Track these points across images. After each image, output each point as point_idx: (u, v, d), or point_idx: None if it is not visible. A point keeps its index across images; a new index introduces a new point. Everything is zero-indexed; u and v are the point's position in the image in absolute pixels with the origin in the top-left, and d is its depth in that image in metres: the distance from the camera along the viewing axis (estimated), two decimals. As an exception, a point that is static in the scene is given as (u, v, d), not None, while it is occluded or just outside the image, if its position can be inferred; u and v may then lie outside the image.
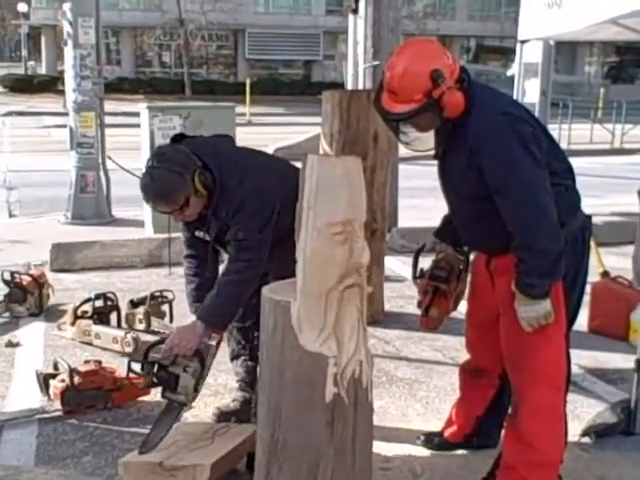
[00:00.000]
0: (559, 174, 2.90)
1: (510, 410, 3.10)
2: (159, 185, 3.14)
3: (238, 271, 3.23)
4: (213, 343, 3.28)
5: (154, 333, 4.91)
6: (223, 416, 3.68)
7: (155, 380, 3.24)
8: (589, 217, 3.06)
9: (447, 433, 3.51)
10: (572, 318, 3.07)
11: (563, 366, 3.02)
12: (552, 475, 3.03)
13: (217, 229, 3.34)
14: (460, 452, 3.46)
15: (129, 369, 3.28)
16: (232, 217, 3.25)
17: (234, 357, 3.81)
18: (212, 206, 3.26)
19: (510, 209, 2.79)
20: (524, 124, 2.82)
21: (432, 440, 3.54)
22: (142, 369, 3.23)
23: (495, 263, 3.06)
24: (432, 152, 3.04)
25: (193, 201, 3.20)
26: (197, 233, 3.45)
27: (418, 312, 3.41)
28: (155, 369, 3.20)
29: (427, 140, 2.97)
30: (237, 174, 3.28)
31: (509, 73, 25.00)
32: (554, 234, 2.76)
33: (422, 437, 3.57)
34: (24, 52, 41.17)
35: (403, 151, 7.87)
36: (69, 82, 8.67)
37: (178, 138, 3.37)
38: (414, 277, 3.38)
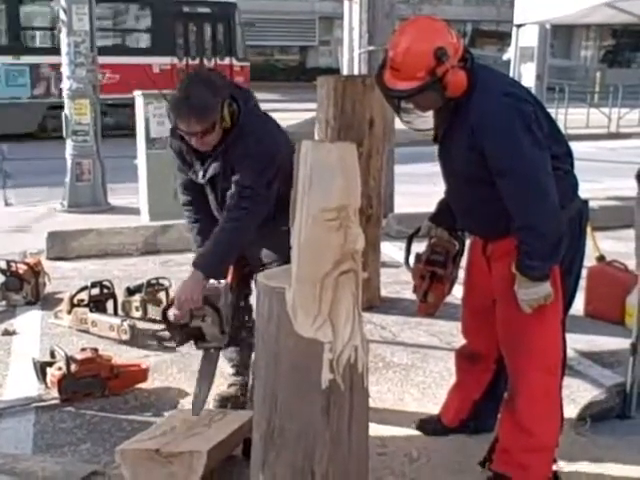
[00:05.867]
0: (559, 158, 2.89)
1: (506, 395, 3.10)
2: (196, 101, 3.13)
3: (236, 219, 3.23)
4: (220, 286, 3.31)
5: (151, 321, 4.92)
6: (224, 402, 3.69)
7: (184, 337, 3.32)
8: (586, 202, 3.06)
9: (443, 418, 3.52)
10: (568, 303, 3.08)
11: (559, 351, 3.03)
12: (548, 459, 3.04)
13: (219, 170, 3.32)
14: (456, 437, 3.47)
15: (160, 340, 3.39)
16: (244, 159, 3.23)
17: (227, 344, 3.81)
18: (226, 142, 3.26)
19: (512, 190, 2.78)
20: (526, 105, 2.81)
21: (428, 425, 3.55)
22: (169, 332, 3.35)
23: (492, 248, 3.06)
24: (431, 135, 3.03)
25: (216, 129, 3.21)
26: (191, 174, 3.45)
27: (414, 297, 3.41)
28: (178, 328, 3.29)
29: (428, 119, 2.95)
30: (259, 121, 3.32)
31: (505, 57, 24.95)
32: (555, 216, 2.76)
33: (418, 422, 3.58)
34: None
35: (400, 136, 7.85)
36: (64, 69, 8.64)
37: None
38: (406, 261, 3.38)
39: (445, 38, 2.78)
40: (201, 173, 3.39)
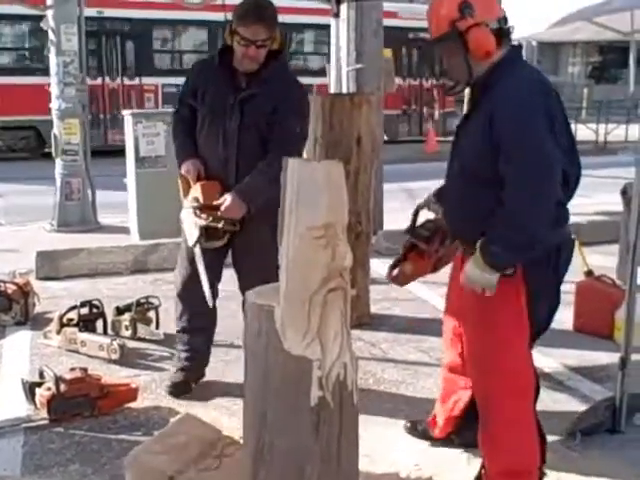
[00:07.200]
0: (568, 184, 2.78)
1: (480, 418, 3.05)
2: (265, 10, 3.62)
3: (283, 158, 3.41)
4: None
5: (140, 340, 4.91)
6: (177, 388, 4.06)
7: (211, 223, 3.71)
8: (572, 240, 2.96)
9: (431, 429, 3.53)
10: (539, 330, 2.98)
11: (529, 372, 2.98)
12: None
13: (255, 92, 3.65)
14: (447, 453, 3.47)
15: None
16: (289, 102, 3.63)
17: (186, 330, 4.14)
18: (272, 65, 3.68)
19: (514, 177, 2.64)
20: (554, 107, 2.74)
21: (417, 427, 3.58)
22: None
23: None
24: (459, 95, 3.05)
25: (267, 46, 3.62)
26: (194, 102, 3.79)
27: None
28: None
29: (455, 74, 2.95)
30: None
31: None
32: (542, 217, 2.66)
33: (408, 424, 3.61)
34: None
35: (388, 154, 7.83)
36: (52, 89, 8.65)
37: None
38: (407, 231, 3.39)
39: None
40: (231, 97, 3.68)
